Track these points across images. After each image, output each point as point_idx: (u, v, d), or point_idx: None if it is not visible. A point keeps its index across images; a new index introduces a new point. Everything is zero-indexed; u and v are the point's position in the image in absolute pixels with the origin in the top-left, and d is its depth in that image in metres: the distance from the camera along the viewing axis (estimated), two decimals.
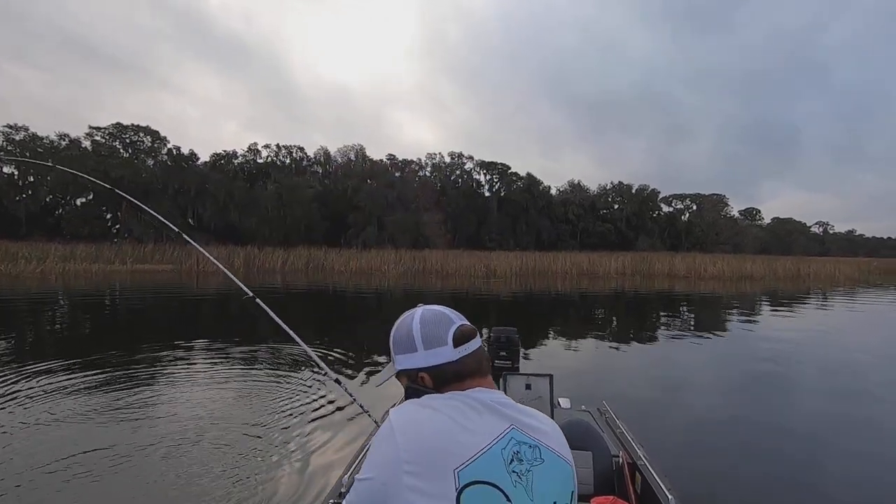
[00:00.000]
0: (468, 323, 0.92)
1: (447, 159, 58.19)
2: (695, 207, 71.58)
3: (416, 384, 0.87)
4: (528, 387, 2.99)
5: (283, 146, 55.01)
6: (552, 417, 2.94)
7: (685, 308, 15.02)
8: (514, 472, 0.77)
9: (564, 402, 3.29)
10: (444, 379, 0.86)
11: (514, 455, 0.78)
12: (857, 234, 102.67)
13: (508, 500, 0.74)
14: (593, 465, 2.21)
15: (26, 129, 39.91)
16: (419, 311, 0.91)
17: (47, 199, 41.21)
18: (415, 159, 58.05)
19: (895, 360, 7.67)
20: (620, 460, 2.30)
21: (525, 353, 7.18)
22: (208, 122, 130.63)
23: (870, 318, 13.55)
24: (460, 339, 0.88)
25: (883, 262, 50.25)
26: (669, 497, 1.97)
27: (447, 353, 0.86)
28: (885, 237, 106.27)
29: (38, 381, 5.17)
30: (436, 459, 0.74)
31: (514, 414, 0.83)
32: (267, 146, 54.18)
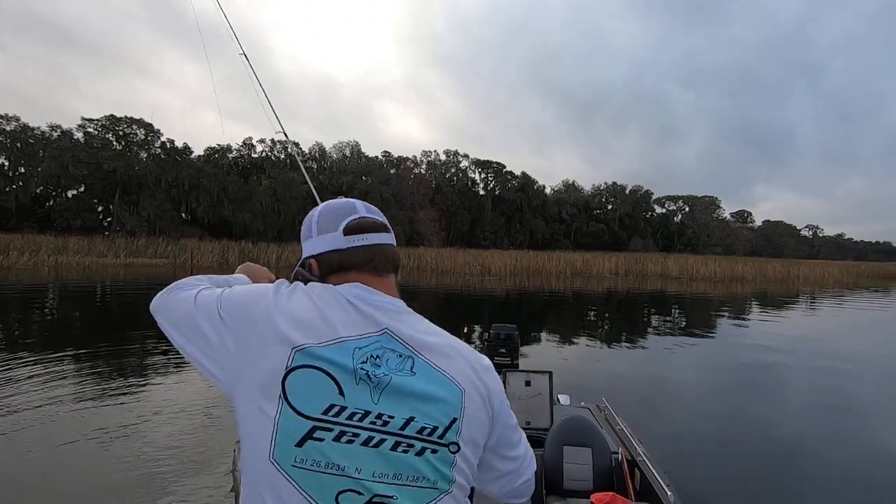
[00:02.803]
0: (378, 218, 0.86)
1: (442, 157, 58.15)
2: (687, 209, 72.07)
3: (305, 269, 0.85)
4: (527, 383, 3.04)
5: (278, 141, 54.80)
6: (552, 414, 3.00)
7: (679, 308, 15.20)
8: (362, 370, 0.71)
9: (564, 399, 3.34)
10: (328, 267, 0.82)
11: (372, 358, 0.72)
12: (846, 237, 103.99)
13: (342, 394, 0.69)
14: (592, 461, 2.22)
15: (17, 120, 39.37)
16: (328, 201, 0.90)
17: (38, 191, 40.71)
18: (410, 156, 58.04)
19: (878, 359, 7.86)
20: (619, 457, 2.31)
21: (523, 350, 7.28)
22: (188, 112, 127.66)
23: (856, 319, 13.80)
24: (354, 228, 0.82)
25: (871, 265, 50.99)
26: (668, 493, 1.98)
27: (335, 241, 0.82)
28: (872, 241, 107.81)
29: (27, 371, 5.18)
30: (282, 333, 0.71)
31: (392, 321, 0.75)
32: (262, 141, 53.93)
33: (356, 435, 0.68)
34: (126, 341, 7.20)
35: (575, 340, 8.66)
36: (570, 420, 2.40)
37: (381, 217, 0.86)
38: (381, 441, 0.68)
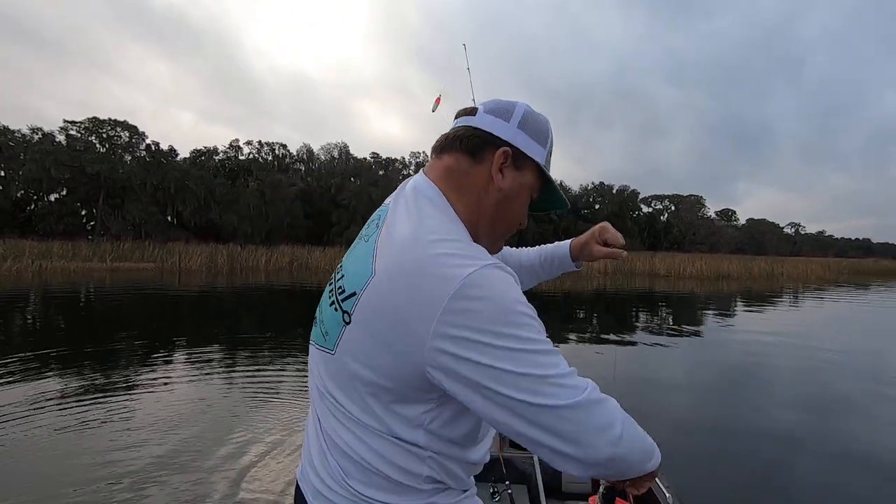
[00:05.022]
0: (469, 106, 0.86)
1: (431, 158, 58.21)
2: (673, 208, 73.02)
3: None
4: None
5: (266, 143, 54.39)
6: None
7: (668, 307, 15.43)
8: (362, 234, 0.83)
9: None
10: None
11: (371, 224, 0.82)
12: (827, 234, 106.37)
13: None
14: None
15: None
16: None
17: (19, 195, 39.91)
18: (398, 157, 58.02)
19: (862, 354, 8.08)
20: None
21: None
22: (160, 113, 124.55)
23: (840, 315, 14.14)
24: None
25: (851, 262, 52.24)
26: (667, 495, 1.99)
27: None
28: (852, 238, 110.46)
29: (9, 377, 5.13)
30: None
31: (396, 198, 0.81)
32: (249, 143, 53.50)
33: (331, 278, 0.84)
34: (115, 346, 7.13)
35: (568, 341, 8.77)
36: None
37: (481, 104, 0.84)
38: (329, 285, 0.82)
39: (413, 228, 0.71)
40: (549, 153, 0.85)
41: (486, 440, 0.83)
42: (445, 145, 0.83)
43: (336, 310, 0.75)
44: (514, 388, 0.62)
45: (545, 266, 1.23)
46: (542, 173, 0.84)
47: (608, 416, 0.66)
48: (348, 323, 0.72)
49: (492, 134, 0.80)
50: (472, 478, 0.84)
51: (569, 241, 1.22)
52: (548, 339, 0.68)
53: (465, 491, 0.81)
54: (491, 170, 0.79)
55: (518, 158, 0.80)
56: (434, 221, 0.73)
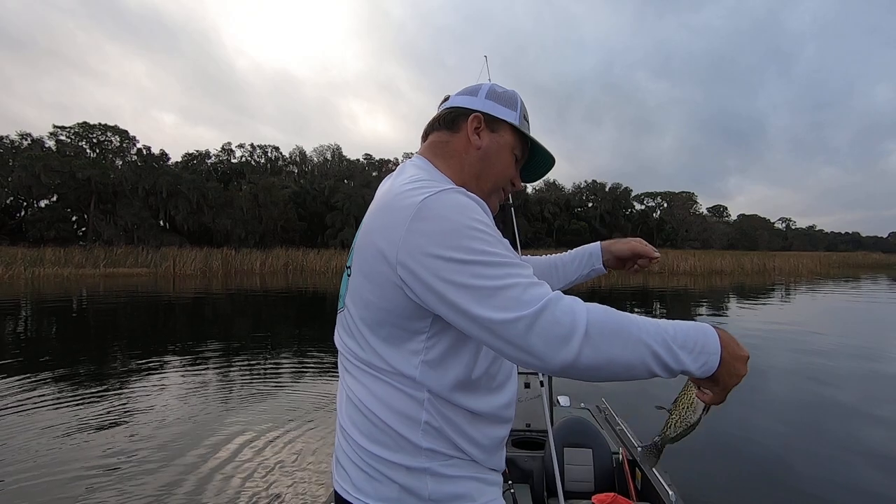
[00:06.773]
0: (461, 89, 0.94)
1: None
2: (665, 205, 73.42)
3: None
4: (526, 385, 3.08)
5: (258, 146, 54.18)
6: (551, 415, 3.05)
7: (662, 303, 15.55)
8: None
9: (564, 400, 3.30)
10: None
11: None
12: (817, 229, 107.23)
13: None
14: (593, 463, 2.23)
15: None
16: None
17: (8, 201, 39.47)
18: (391, 159, 57.96)
19: (856, 344, 8.18)
20: (620, 457, 2.30)
21: None
22: (140, 113, 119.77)
23: (832, 307, 14.32)
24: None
25: (841, 255, 52.94)
26: (670, 493, 1.99)
27: None
28: (842, 232, 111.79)
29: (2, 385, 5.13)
30: None
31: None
32: (241, 146, 53.29)
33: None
34: (111, 352, 7.11)
35: None
36: (570, 421, 2.42)
37: (465, 89, 0.93)
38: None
39: (392, 182, 0.81)
40: (524, 117, 0.92)
41: (502, 392, 0.83)
42: (428, 129, 0.93)
43: (347, 274, 0.83)
44: (467, 299, 0.65)
45: (575, 260, 1.25)
46: (519, 133, 0.91)
47: (566, 325, 0.62)
48: (350, 275, 0.80)
49: (463, 107, 0.90)
50: (493, 468, 0.83)
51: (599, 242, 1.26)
52: (506, 252, 0.68)
53: (485, 475, 0.81)
54: (468, 134, 0.88)
55: (492, 122, 0.89)
56: (411, 173, 0.81)
